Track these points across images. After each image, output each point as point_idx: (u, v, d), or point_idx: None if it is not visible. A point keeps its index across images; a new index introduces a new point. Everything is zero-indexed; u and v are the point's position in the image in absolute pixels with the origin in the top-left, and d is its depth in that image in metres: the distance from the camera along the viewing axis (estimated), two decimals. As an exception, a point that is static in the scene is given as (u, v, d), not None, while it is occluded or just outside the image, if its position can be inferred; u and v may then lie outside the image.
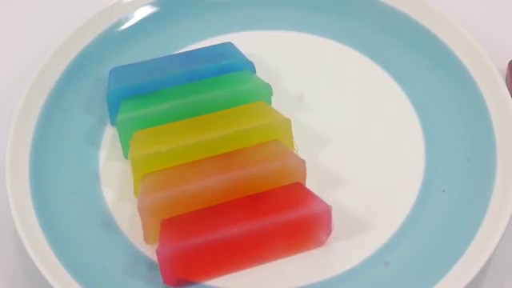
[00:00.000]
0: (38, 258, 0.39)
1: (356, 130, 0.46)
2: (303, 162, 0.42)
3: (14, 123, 0.45)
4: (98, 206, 0.44)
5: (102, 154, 0.46)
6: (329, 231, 0.41)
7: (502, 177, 0.41)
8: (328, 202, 0.41)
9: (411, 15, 0.49)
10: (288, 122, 0.44)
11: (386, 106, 0.47)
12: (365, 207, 0.43)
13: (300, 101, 0.48)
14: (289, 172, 0.42)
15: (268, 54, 0.50)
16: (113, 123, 0.47)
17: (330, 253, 0.41)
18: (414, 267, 0.40)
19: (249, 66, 0.47)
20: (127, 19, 0.51)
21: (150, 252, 0.41)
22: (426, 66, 0.48)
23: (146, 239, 0.42)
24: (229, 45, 0.49)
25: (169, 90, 0.46)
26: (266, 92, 0.46)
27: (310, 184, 0.42)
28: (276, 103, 0.46)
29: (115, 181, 0.45)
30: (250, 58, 0.48)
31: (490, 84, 0.45)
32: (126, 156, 0.45)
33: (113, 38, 0.50)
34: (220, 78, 0.46)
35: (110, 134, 0.47)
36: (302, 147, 0.44)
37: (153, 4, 0.52)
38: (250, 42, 0.50)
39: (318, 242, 0.41)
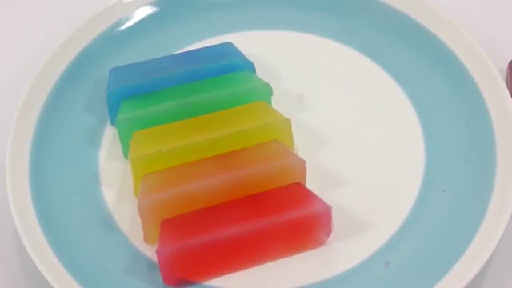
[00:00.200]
0: (38, 258, 0.39)
1: (356, 130, 0.46)
2: (303, 162, 0.42)
3: (13, 123, 0.45)
4: (98, 206, 0.44)
5: (102, 154, 0.46)
6: (329, 231, 0.41)
7: (501, 177, 0.41)
8: (328, 202, 0.41)
9: (411, 15, 0.49)
10: (288, 122, 0.44)
11: (386, 106, 0.47)
12: (365, 207, 0.43)
13: (300, 101, 0.48)
14: (289, 172, 0.42)
15: (268, 54, 0.50)
16: (113, 123, 0.47)
17: (330, 253, 0.41)
18: (414, 267, 0.40)
19: (249, 66, 0.47)
20: (127, 19, 0.51)
21: (149, 252, 0.41)
22: (426, 65, 0.48)
23: (146, 239, 0.42)
24: (229, 45, 0.49)
25: (169, 89, 0.46)
26: (266, 92, 0.46)
27: (310, 184, 0.42)
28: (276, 103, 0.46)
29: (115, 181, 0.45)
30: (250, 58, 0.48)
31: (490, 84, 0.45)
32: (126, 156, 0.45)
33: (113, 38, 0.50)
34: (220, 78, 0.46)
35: (109, 134, 0.47)
36: (301, 147, 0.44)
37: (153, 4, 0.52)
38: (250, 42, 0.50)
39: (318, 242, 0.41)
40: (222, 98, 0.45)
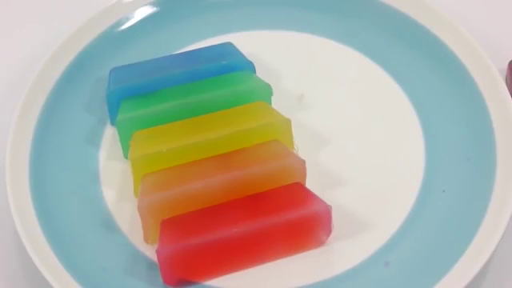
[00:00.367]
0: (38, 258, 0.39)
1: (356, 130, 0.46)
2: (303, 162, 0.42)
3: (13, 123, 0.45)
4: (98, 206, 0.44)
5: (102, 154, 0.46)
6: (329, 231, 0.41)
7: (502, 177, 0.41)
8: (328, 202, 0.41)
9: (411, 15, 0.49)
10: (288, 122, 0.44)
11: (386, 106, 0.47)
12: (365, 207, 0.43)
13: (300, 101, 0.48)
14: (289, 172, 0.42)
15: (268, 54, 0.50)
16: (113, 123, 0.47)
17: (330, 253, 0.41)
18: (414, 267, 0.40)
19: (249, 66, 0.47)
20: (127, 19, 0.51)
21: (150, 252, 0.41)
22: (426, 66, 0.48)
23: (146, 239, 0.42)
24: (229, 45, 0.49)
25: (169, 89, 0.46)
26: (266, 92, 0.46)
27: (310, 184, 0.42)
28: (276, 103, 0.46)
29: (115, 181, 0.45)
30: (250, 58, 0.48)
31: (490, 84, 0.45)
32: (126, 156, 0.45)
33: (113, 38, 0.50)
34: (220, 78, 0.46)
35: (110, 134, 0.47)
36: (301, 147, 0.44)
37: (153, 4, 0.52)
38: (250, 42, 0.50)
39: (318, 242, 0.41)
40: (222, 98, 0.45)
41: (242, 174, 0.41)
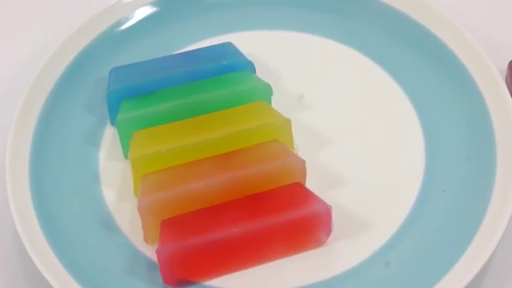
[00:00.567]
0: (38, 258, 0.39)
1: (356, 130, 0.46)
2: (303, 162, 0.42)
3: (13, 123, 0.45)
4: (98, 206, 0.44)
5: (102, 154, 0.46)
6: (329, 231, 0.41)
7: (502, 177, 0.41)
8: (328, 202, 0.41)
9: (411, 15, 0.49)
10: (288, 122, 0.44)
11: (386, 106, 0.47)
12: (365, 207, 0.43)
13: (300, 101, 0.48)
14: (289, 172, 0.42)
15: (268, 54, 0.50)
16: (113, 123, 0.47)
17: (330, 253, 0.41)
18: (414, 267, 0.40)
19: (249, 66, 0.47)
20: (127, 19, 0.51)
21: (150, 252, 0.41)
22: (426, 65, 0.48)
23: (146, 239, 0.42)
24: (229, 45, 0.49)
25: (169, 89, 0.46)
26: (266, 92, 0.46)
27: (310, 184, 0.42)
28: (276, 103, 0.46)
29: (115, 181, 0.45)
30: (250, 58, 0.48)
31: (490, 84, 0.45)
32: (126, 156, 0.45)
33: (113, 38, 0.50)
34: (220, 78, 0.46)
35: (109, 134, 0.47)
36: (301, 147, 0.44)
37: (153, 4, 0.52)
38: (250, 42, 0.50)
39: (318, 242, 0.41)
40: (222, 98, 0.45)
41: (242, 173, 0.41)
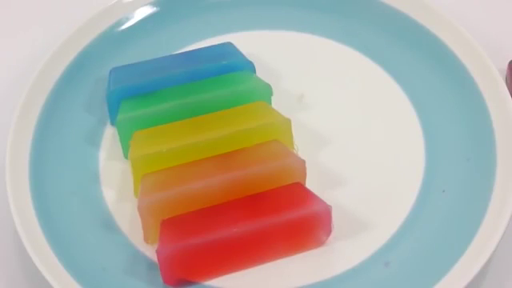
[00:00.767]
0: (38, 258, 0.39)
1: (356, 130, 0.46)
2: (303, 162, 0.42)
3: (13, 123, 0.45)
4: (98, 205, 0.44)
5: (102, 154, 0.46)
6: (329, 231, 0.41)
7: (502, 177, 0.41)
8: (328, 202, 0.41)
9: (411, 15, 0.49)
10: (288, 121, 0.44)
11: (386, 106, 0.47)
12: (365, 207, 0.43)
13: (300, 101, 0.48)
14: (289, 172, 0.42)
15: (268, 54, 0.50)
16: (113, 123, 0.47)
17: (330, 253, 0.41)
18: (414, 267, 0.40)
19: (249, 66, 0.47)
20: (127, 19, 0.51)
21: (150, 252, 0.41)
22: (426, 65, 0.48)
23: (146, 239, 0.42)
24: (229, 45, 0.49)
25: (169, 89, 0.46)
26: (266, 92, 0.46)
27: (310, 184, 0.42)
28: (276, 103, 0.46)
29: (115, 181, 0.45)
30: (250, 58, 0.48)
31: (490, 84, 0.45)
32: (126, 156, 0.45)
33: (113, 38, 0.50)
34: (220, 78, 0.46)
35: (109, 134, 0.47)
36: (301, 147, 0.44)
37: (153, 4, 0.52)
38: (250, 42, 0.50)
39: (318, 242, 0.41)
40: (222, 98, 0.45)
41: (242, 173, 0.41)
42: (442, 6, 0.49)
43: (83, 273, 0.40)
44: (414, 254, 0.41)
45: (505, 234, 0.39)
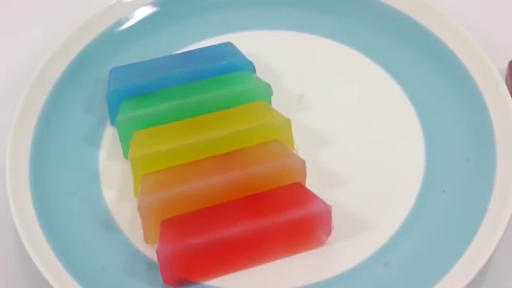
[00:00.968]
0: (38, 258, 0.39)
1: (356, 130, 0.46)
2: (303, 162, 0.42)
3: (14, 123, 0.45)
4: (98, 205, 0.44)
5: (102, 154, 0.46)
6: (329, 231, 0.41)
7: (502, 177, 0.41)
8: (328, 202, 0.41)
9: (411, 15, 0.49)
10: (288, 121, 0.44)
11: (386, 106, 0.47)
12: (365, 207, 0.43)
13: (300, 101, 0.48)
14: (289, 172, 0.42)
15: (268, 54, 0.50)
16: (113, 123, 0.47)
17: (330, 253, 0.41)
18: (414, 267, 0.40)
19: (249, 66, 0.47)
20: (127, 19, 0.51)
21: (150, 252, 0.41)
22: (426, 65, 0.48)
23: (146, 239, 0.42)
24: (229, 45, 0.49)
25: (169, 90, 0.46)
26: (266, 92, 0.46)
27: (310, 184, 0.42)
28: (276, 103, 0.46)
29: (115, 181, 0.45)
30: (250, 58, 0.48)
31: (490, 84, 0.45)
32: (125, 156, 0.45)
33: (113, 38, 0.50)
34: (220, 78, 0.46)
35: (110, 134, 0.47)
36: (301, 147, 0.44)
37: (153, 4, 0.52)
38: (250, 42, 0.50)
39: (318, 242, 0.41)
40: (222, 98, 0.45)
41: (242, 174, 0.41)
42: (442, 6, 0.49)
43: (83, 273, 0.40)
44: (414, 254, 0.41)
45: (505, 234, 0.39)
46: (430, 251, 0.40)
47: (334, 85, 0.49)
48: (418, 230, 0.42)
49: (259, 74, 0.48)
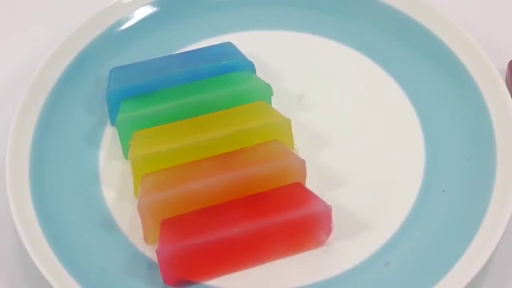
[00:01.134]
0: (38, 258, 0.39)
1: (356, 130, 0.46)
2: (303, 162, 0.42)
3: (14, 123, 0.45)
4: (98, 205, 0.44)
5: (102, 154, 0.46)
6: (329, 231, 0.41)
7: (501, 177, 0.41)
8: (328, 202, 0.41)
9: (411, 15, 0.49)
10: (288, 121, 0.44)
11: (386, 106, 0.47)
12: (365, 207, 0.43)
13: (300, 101, 0.48)
14: (289, 172, 0.42)
15: (268, 54, 0.50)
16: (113, 123, 0.47)
17: (330, 253, 0.41)
18: (414, 267, 0.40)
19: (249, 66, 0.47)
20: (127, 19, 0.51)
21: (150, 252, 0.41)
22: (426, 65, 0.48)
23: (146, 239, 0.42)
24: (229, 45, 0.49)
25: (169, 90, 0.46)
26: (266, 92, 0.46)
27: (310, 184, 0.42)
28: (276, 103, 0.46)
29: (115, 181, 0.45)
30: (250, 58, 0.48)
31: (490, 84, 0.45)
32: (125, 156, 0.45)
33: (113, 38, 0.50)
34: (220, 78, 0.46)
35: (109, 134, 0.47)
36: (301, 147, 0.44)
37: (153, 4, 0.52)
38: (250, 42, 0.50)
39: (318, 242, 0.41)
40: (222, 98, 0.45)
41: (242, 173, 0.41)
42: (442, 6, 0.49)
43: (83, 273, 0.40)
44: (413, 254, 0.41)
45: (505, 234, 0.39)
46: (430, 251, 0.40)
47: (334, 85, 0.49)
48: (418, 230, 0.42)
49: (259, 73, 0.48)
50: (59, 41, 0.49)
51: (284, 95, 0.48)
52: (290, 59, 0.50)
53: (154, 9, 0.52)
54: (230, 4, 0.52)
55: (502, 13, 0.54)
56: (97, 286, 0.40)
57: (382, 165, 0.45)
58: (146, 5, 0.52)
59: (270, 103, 0.46)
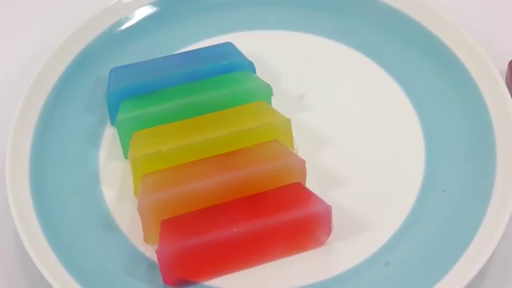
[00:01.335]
0: (38, 258, 0.39)
1: (356, 130, 0.46)
2: (303, 162, 0.42)
3: (14, 123, 0.45)
4: (98, 205, 0.44)
5: (102, 154, 0.46)
6: (329, 231, 0.41)
7: (501, 177, 0.41)
8: (328, 202, 0.41)
9: (411, 15, 0.49)
10: (288, 121, 0.44)
11: (385, 106, 0.47)
12: (365, 207, 0.43)
13: (300, 101, 0.48)
14: (289, 172, 0.42)
15: (268, 54, 0.50)
16: (113, 123, 0.47)
17: (330, 253, 0.41)
18: (413, 267, 0.40)
19: (249, 66, 0.47)
20: (127, 19, 0.51)
21: (150, 252, 0.41)
22: (426, 66, 0.48)
23: (146, 239, 0.42)
24: (229, 45, 0.49)
25: (169, 90, 0.46)
26: (266, 92, 0.46)
27: (310, 184, 0.42)
28: (276, 103, 0.46)
29: (115, 181, 0.45)
30: (250, 58, 0.48)
31: (490, 84, 0.45)
32: (125, 156, 0.45)
33: (113, 38, 0.50)
34: (220, 78, 0.46)
35: (109, 134, 0.47)
36: (301, 147, 0.45)
37: (153, 4, 0.52)
38: (250, 42, 0.50)
39: (318, 242, 0.41)
40: (222, 98, 0.45)
41: (242, 174, 0.41)
42: (442, 6, 0.49)
43: (83, 273, 0.40)
44: (413, 254, 0.41)
45: (505, 234, 0.39)
46: (430, 251, 0.40)
47: (334, 85, 0.49)
48: (418, 229, 0.42)
49: (259, 73, 0.48)
50: (59, 41, 0.49)
51: (284, 95, 0.48)
52: (290, 59, 0.50)
53: (154, 9, 0.52)
54: (230, 4, 0.52)
55: (502, 13, 0.54)
56: (97, 286, 0.40)
57: (382, 165, 0.45)
58: (146, 5, 0.52)
59: (270, 103, 0.46)
